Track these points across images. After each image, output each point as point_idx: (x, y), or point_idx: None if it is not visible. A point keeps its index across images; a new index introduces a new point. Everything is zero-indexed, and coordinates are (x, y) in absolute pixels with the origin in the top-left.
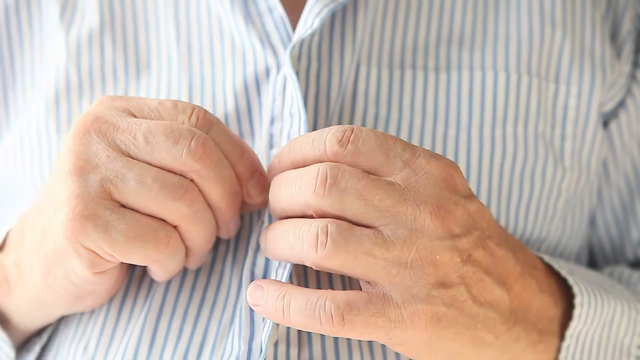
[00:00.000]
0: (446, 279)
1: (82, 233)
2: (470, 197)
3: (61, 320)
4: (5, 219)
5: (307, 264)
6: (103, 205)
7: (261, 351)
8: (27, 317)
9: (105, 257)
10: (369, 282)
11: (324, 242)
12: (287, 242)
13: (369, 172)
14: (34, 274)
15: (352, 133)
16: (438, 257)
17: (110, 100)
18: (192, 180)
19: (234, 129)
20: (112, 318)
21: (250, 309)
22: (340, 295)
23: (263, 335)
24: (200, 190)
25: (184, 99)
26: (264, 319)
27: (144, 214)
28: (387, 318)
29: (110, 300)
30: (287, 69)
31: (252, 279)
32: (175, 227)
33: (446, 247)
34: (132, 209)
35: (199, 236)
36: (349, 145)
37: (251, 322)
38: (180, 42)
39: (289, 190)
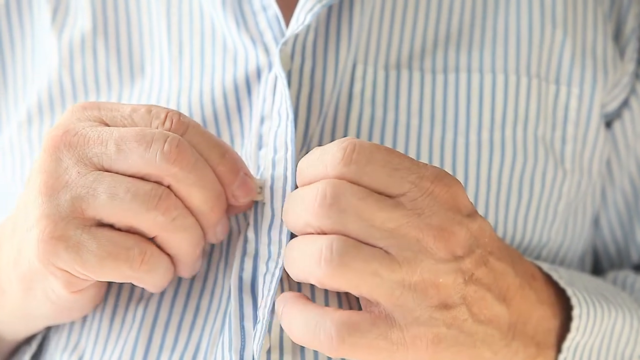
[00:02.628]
0: (448, 301)
1: (53, 255)
2: (473, 214)
3: (51, 328)
4: None
5: (312, 281)
6: (74, 225)
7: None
8: (12, 329)
9: (80, 277)
10: (369, 301)
11: (328, 258)
12: (294, 258)
13: (373, 191)
14: (14, 290)
15: (354, 151)
16: (441, 280)
17: (81, 109)
18: (169, 186)
19: (223, 129)
20: (105, 327)
21: (240, 317)
22: (343, 316)
23: (255, 346)
24: (179, 195)
25: (173, 100)
26: (254, 327)
27: (119, 228)
28: (390, 341)
29: (104, 307)
30: (277, 67)
31: (240, 284)
32: (154, 237)
33: (449, 269)
34: (108, 224)
35: (181, 244)
36: (351, 165)
37: (242, 331)
38: (172, 43)
39: (294, 210)
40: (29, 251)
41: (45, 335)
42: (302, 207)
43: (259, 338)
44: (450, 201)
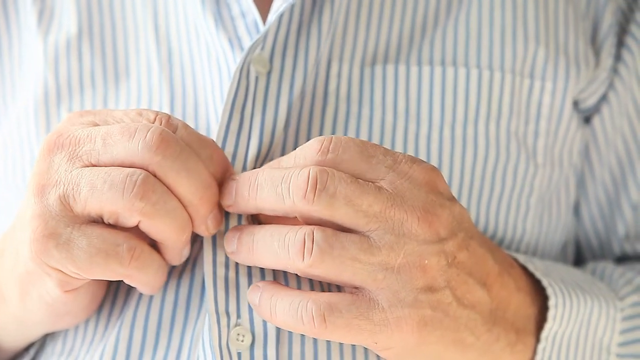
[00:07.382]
0: (433, 283)
1: (45, 253)
2: (453, 199)
3: (47, 336)
4: None
5: (292, 271)
6: (64, 223)
7: (230, 355)
8: (11, 337)
9: (72, 275)
10: (357, 288)
11: (310, 249)
12: (271, 249)
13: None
14: (12, 295)
15: (330, 142)
16: (426, 261)
17: (77, 116)
18: (155, 175)
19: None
20: (100, 330)
21: (216, 312)
22: (323, 297)
23: (228, 340)
24: (165, 184)
25: (165, 107)
26: (228, 320)
27: (109, 224)
28: (371, 321)
29: (99, 312)
30: (250, 68)
31: (214, 278)
32: (139, 224)
33: (434, 251)
34: (101, 221)
35: (164, 229)
36: (329, 154)
37: (218, 326)
38: (161, 47)
39: (273, 191)
40: (24, 252)
41: (42, 343)
42: (287, 191)
43: (232, 332)
44: (430, 184)
